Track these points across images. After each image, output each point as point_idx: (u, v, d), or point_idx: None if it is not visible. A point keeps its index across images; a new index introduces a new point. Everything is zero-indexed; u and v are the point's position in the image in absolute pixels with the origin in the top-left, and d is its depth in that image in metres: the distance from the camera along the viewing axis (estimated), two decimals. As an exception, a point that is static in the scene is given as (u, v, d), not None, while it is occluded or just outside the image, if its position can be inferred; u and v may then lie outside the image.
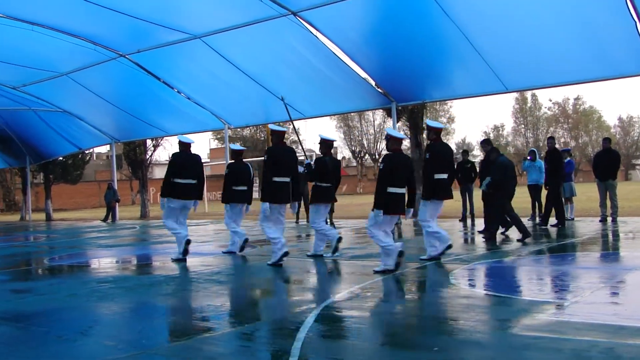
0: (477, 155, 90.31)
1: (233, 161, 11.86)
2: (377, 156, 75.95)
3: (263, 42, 16.25)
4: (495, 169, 12.15)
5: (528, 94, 78.89)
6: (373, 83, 17.67)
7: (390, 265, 8.42)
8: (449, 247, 9.60)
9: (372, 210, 8.45)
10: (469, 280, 8.16)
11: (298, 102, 18.60)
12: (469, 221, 17.19)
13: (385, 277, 8.21)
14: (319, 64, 16.46)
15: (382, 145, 74.83)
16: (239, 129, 43.77)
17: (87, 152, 37.21)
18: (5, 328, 6.19)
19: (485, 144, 13.42)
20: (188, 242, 10.79)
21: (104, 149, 49.02)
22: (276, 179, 9.67)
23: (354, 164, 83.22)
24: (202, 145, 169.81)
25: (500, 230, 12.90)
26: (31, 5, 15.41)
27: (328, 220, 11.74)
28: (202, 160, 11.68)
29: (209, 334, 5.64)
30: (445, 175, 9.43)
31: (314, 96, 18.28)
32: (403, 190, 8.62)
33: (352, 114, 69.39)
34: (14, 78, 21.73)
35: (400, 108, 19.38)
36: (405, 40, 14.91)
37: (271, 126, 10.39)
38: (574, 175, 18.31)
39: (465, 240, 13.35)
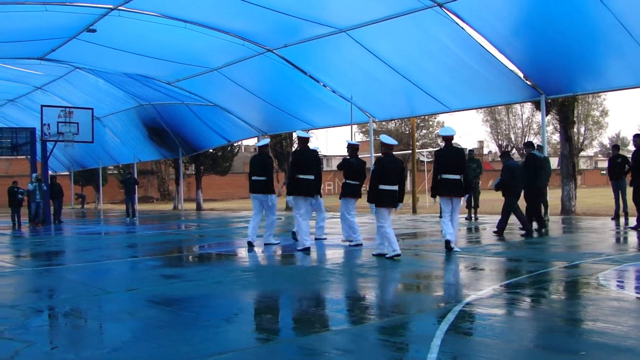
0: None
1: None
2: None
3: (408, 35, 16.12)
4: (504, 170, 13.12)
5: (691, 86, 73.81)
6: (521, 75, 17.11)
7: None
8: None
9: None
10: (620, 282, 7.72)
11: (442, 94, 18.34)
12: (622, 219, 16.30)
13: (529, 275, 7.93)
14: (464, 56, 16.13)
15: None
16: (384, 122, 43.75)
17: (235, 144, 38.40)
18: (156, 311, 6.49)
19: (527, 146, 15.18)
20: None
21: (251, 142, 50.42)
22: (301, 176, 11.30)
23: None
24: (347, 137, 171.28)
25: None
26: (184, 4, 16.10)
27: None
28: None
29: (346, 327, 5.65)
30: (393, 187, 9.96)
31: (458, 89, 17.95)
32: (394, 187, 9.89)
33: (499, 107, 67.67)
34: (168, 74, 22.84)
35: (549, 101, 18.67)
36: (555, 29, 14.34)
37: (298, 133, 12.02)
38: None
39: (617, 240, 12.66)
